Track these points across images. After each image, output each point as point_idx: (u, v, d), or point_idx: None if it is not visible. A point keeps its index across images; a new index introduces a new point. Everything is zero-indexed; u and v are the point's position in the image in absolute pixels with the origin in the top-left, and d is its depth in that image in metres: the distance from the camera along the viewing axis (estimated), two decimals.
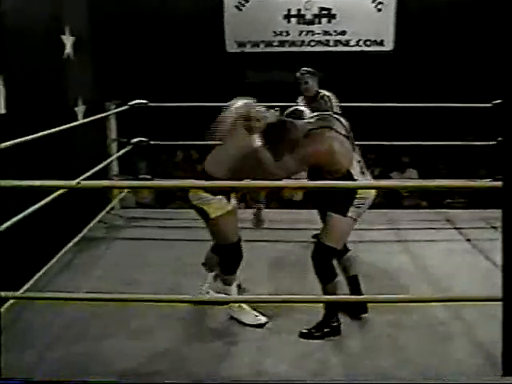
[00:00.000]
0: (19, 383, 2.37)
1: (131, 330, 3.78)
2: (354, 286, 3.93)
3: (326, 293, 3.66)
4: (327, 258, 3.65)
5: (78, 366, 3.34)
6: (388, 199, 8.34)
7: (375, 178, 8.06)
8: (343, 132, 3.65)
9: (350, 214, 3.56)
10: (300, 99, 5.39)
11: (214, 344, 3.61)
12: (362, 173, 3.66)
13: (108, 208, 6.26)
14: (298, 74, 5.32)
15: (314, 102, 5.22)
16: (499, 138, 6.11)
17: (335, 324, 3.69)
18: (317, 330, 3.67)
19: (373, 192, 3.65)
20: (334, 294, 3.66)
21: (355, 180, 3.56)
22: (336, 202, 3.57)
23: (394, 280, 4.48)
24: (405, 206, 8.03)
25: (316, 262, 3.65)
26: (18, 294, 3.61)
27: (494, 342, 3.20)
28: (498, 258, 4.63)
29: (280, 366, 3.35)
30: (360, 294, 3.90)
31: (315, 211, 3.98)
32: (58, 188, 4.20)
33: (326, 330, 3.67)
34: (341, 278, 3.83)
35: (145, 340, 3.65)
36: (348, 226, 3.62)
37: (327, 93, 5.35)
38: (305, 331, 3.67)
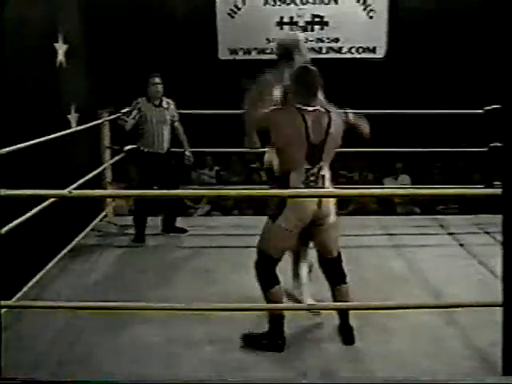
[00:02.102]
0: (19, 383, 2.37)
1: (125, 335, 3.77)
2: (343, 316, 3.67)
3: (266, 301, 3.55)
4: (260, 263, 3.56)
5: (72, 371, 3.32)
6: (382, 206, 8.38)
7: (368, 184, 8.15)
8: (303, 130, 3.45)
9: (278, 223, 3.46)
10: (142, 100, 5.76)
11: (206, 349, 3.60)
12: (309, 186, 3.46)
13: (101, 215, 6.25)
14: (151, 79, 5.74)
15: (159, 106, 5.78)
16: (492, 144, 6.15)
17: (277, 341, 3.54)
18: (257, 340, 3.58)
19: (309, 207, 3.44)
20: (276, 303, 3.53)
21: (288, 188, 3.43)
22: (270, 206, 3.56)
23: (388, 285, 4.47)
24: (398, 212, 8.07)
25: (255, 267, 3.61)
26: (11, 302, 3.58)
27: (490, 345, 3.22)
28: (492, 263, 4.68)
29: (274, 371, 3.35)
30: (348, 326, 3.65)
31: None
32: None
33: (265, 343, 3.55)
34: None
35: (139, 346, 3.63)
36: (278, 235, 3.50)
37: (170, 100, 5.89)
38: (246, 334, 3.62)
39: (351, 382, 2.58)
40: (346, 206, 8.40)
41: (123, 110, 5.88)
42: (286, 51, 4.00)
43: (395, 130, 7.39)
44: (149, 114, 5.74)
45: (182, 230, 6.00)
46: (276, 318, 3.56)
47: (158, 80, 5.77)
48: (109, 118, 6.28)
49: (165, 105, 5.83)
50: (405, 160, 8.70)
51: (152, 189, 5.59)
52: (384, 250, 5.39)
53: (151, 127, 5.74)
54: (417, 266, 4.96)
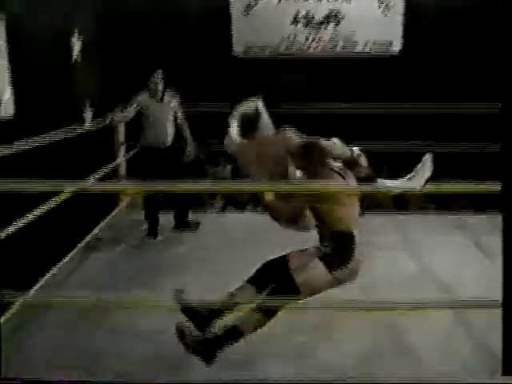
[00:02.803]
0: (19, 383, 2.38)
1: (140, 330, 3.80)
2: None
3: (256, 321, 3.24)
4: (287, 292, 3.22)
5: (85, 362, 3.38)
6: (396, 203, 8.33)
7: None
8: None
9: (336, 275, 3.20)
10: (145, 96, 5.75)
11: None
12: None
13: (115, 211, 6.28)
14: (153, 77, 5.75)
15: (160, 101, 5.80)
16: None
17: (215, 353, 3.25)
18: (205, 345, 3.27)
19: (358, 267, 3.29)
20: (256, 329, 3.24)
21: (354, 245, 3.24)
22: (331, 254, 3.22)
23: (400, 284, 4.46)
24: (413, 210, 8.02)
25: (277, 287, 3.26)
26: (25, 296, 3.60)
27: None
28: None
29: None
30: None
31: None
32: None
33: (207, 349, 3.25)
34: None
35: (152, 340, 3.67)
36: (325, 284, 3.22)
37: (174, 94, 5.89)
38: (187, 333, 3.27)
39: (352, 382, 2.57)
40: (362, 204, 8.36)
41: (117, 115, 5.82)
42: (249, 122, 3.88)
43: (410, 127, 7.35)
44: (150, 109, 5.74)
45: (195, 225, 6.01)
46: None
47: (158, 75, 5.75)
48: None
49: (166, 100, 5.83)
50: (420, 158, 8.64)
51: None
52: (397, 247, 5.37)
53: (152, 122, 5.74)
54: (429, 264, 4.94)
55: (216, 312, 3.33)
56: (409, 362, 3.44)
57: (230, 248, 5.41)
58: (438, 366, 3.38)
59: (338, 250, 3.22)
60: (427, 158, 4.00)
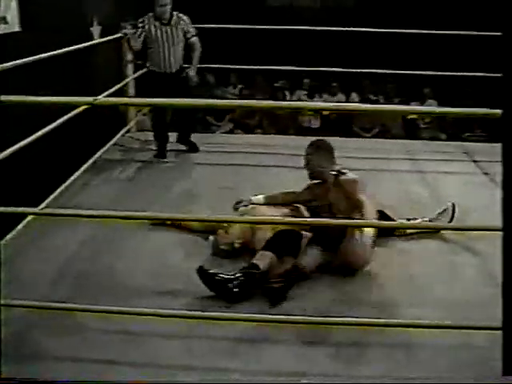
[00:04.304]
0: (19, 383, 2.41)
1: (147, 248, 3.84)
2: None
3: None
4: None
5: (94, 281, 3.40)
6: (406, 130, 8.28)
7: None
8: None
9: None
10: (148, 18, 5.50)
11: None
12: None
13: (124, 130, 6.23)
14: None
15: (167, 24, 5.50)
16: None
17: None
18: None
19: None
20: None
21: None
22: None
23: (408, 210, 4.41)
24: (423, 137, 7.97)
25: None
26: (36, 210, 3.60)
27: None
28: None
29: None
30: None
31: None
32: (74, 106, 4.15)
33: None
34: None
35: (159, 258, 3.71)
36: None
37: (183, 16, 5.58)
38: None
39: (351, 382, 2.60)
40: (371, 129, 8.32)
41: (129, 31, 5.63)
42: None
43: (424, 53, 7.19)
44: (156, 33, 5.49)
45: (195, 147, 5.94)
46: None
47: (165, 1, 5.41)
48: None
49: (174, 22, 5.51)
50: (433, 85, 8.49)
51: (165, 109, 5.52)
52: (406, 174, 5.34)
53: (158, 46, 5.51)
54: (438, 191, 4.91)
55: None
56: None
57: (238, 168, 5.39)
58: None
59: None
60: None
